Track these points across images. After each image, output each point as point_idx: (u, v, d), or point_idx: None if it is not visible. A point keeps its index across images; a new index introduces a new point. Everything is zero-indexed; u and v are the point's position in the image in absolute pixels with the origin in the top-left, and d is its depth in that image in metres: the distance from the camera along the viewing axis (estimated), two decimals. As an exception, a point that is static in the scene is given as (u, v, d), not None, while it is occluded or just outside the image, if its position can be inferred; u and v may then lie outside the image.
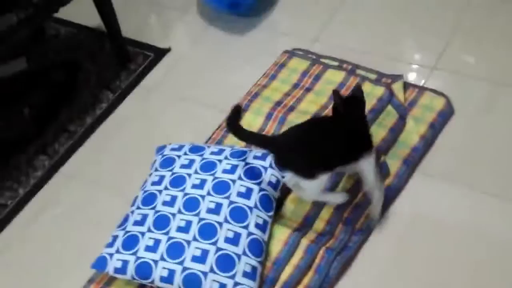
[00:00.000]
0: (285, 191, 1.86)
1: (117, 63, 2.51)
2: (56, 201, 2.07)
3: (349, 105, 1.71)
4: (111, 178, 2.11)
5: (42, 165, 2.18)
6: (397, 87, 2.12)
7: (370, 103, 2.06)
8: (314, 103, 2.14)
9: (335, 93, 1.70)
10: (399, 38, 2.41)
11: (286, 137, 1.74)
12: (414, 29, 2.43)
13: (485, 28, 2.34)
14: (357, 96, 1.74)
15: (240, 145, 1.99)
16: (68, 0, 2.09)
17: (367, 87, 2.10)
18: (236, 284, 1.61)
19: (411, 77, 2.20)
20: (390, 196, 1.82)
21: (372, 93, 2.10)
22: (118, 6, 2.44)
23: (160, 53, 2.54)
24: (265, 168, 1.80)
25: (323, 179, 1.68)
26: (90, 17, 2.49)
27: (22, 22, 1.90)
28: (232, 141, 2.05)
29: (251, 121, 2.12)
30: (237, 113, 1.98)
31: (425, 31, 2.39)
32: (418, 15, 2.44)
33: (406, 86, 2.13)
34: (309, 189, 1.72)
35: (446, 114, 2.03)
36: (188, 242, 1.67)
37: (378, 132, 1.98)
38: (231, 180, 1.77)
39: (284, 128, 2.04)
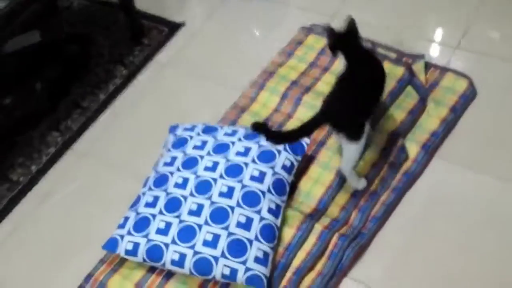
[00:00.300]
0: (299, 174, 1.82)
1: (130, 37, 2.45)
2: (68, 180, 2.05)
3: (344, 40, 1.72)
4: (123, 156, 2.08)
5: (55, 142, 2.15)
6: (418, 68, 2.04)
7: (389, 84, 1.99)
8: (331, 84, 2.07)
9: (329, 30, 1.73)
10: (421, 16, 2.32)
11: (333, 105, 1.66)
12: (437, 5, 2.34)
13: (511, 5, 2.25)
14: (352, 30, 1.73)
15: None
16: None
17: (386, 67, 2.03)
18: (248, 269, 1.59)
19: (433, 56, 2.12)
20: (407, 182, 1.78)
21: (392, 73, 2.03)
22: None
23: (174, 27, 2.47)
24: (279, 152, 1.76)
25: (363, 141, 1.68)
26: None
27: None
28: (246, 121, 2.01)
29: (266, 100, 2.07)
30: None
31: (448, 8, 2.30)
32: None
33: (428, 66, 2.07)
34: (355, 151, 1.68)
35: (468, 97, 1.95)
36: (200, 226, 1.65)
37: (397, 114, 1.92)
38: (244, 163, 1.73)
39: (300, 109, 2.00)
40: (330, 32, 1.74)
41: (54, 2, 2.58)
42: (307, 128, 1.62)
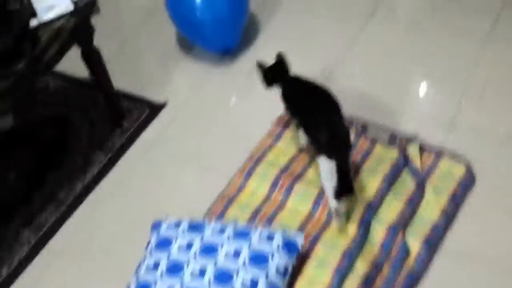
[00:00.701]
0: (293, 274, 1.69)
1: (110, 119, 2.35)
2: (42, 283, 1.90)
3: (275, 71, 1.89)
4: (103, 256, 1.93)
5: (28, 240, 2.01)
6: (412, 151, 1.95)
7: (383, 169, 1.90)
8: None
9: (258, 64, 1.89)
10: (412, 92, 2.27)
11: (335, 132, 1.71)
12: (428, 81, 2.29)
13: (504, 80, 2.20)
14: (281, 62, 1.90)
15: (244, 218, 1.83)
16: (56, 61, 1.93)
17: (378, 150, 1.96)
18: None
19: (427, 136, 2.04)
20: (412, 283, 1.66)
21: (385, 156, 1.93)
22: (109, 57, 2.29)
23: (156, 108, 2.37)
24: (272, 254, 1.63)
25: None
26: (81, 68, 2.30)
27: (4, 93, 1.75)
28: (234, 214, 1.89)
29: (255, 188, 1.96)
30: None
31: (440, 84, 2.25)
32: (432, 65, 2.30)
33: (422, 148, 1.97)
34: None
35: (467, 184, 1.86)
36: None
37: (394, 205, 1.81)
38: (234, 270, 1.59)
39: (292, 197, 1.89)
40: (260, 66, 1.90)
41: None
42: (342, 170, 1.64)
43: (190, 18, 2.39)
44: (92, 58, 2.13)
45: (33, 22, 1.90)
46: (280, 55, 1.91)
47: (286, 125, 2.13)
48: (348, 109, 1.79)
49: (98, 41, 2.14)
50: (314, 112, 1.76)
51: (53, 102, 2.48)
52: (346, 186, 1.64)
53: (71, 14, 1.93)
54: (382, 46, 2.42)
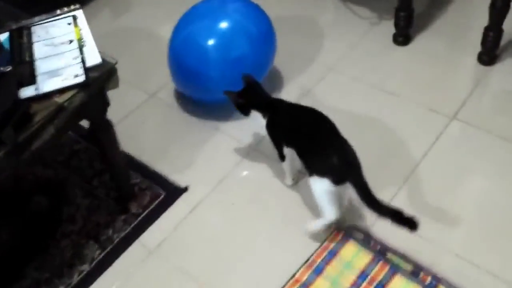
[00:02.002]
0: None
1: (115, 198, 1.89)
2: None
3: (247, 95, 1.77)
4: None
5: None
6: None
7: None
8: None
9: (228, 92, 1.77)
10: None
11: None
12: None
13: None
14: (250, 84, 1.78)
15: None
16: (50, 149, 1.47)
17: (397, 283, 1.51)
18: None
19: None
20: None
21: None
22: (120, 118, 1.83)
23: (174, 192, 1.90)
24: None
25: None
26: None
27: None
28: None
29: None
30: None
31: None
32: None
33: None
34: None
35: None
36: None
37: None
38: None
39: None
40: (230, 95, 1.77)
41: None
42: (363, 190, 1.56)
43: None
44: (101, 131, 1.66)
45: (27, 91, 1.44)
46: (247, 77, 1.79)
47: (331, 254, 1.66)
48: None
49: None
50: (314, 137, 1.64)
51: (54, 157, 2.04)
52: (377, 204, 1.55)
53: (81, 86, 1.46)
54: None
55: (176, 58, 2.04)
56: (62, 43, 1.56)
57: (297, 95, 2.14)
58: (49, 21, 1.64)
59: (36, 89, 1.44)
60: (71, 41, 1.57)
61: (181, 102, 2.21)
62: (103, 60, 1.51)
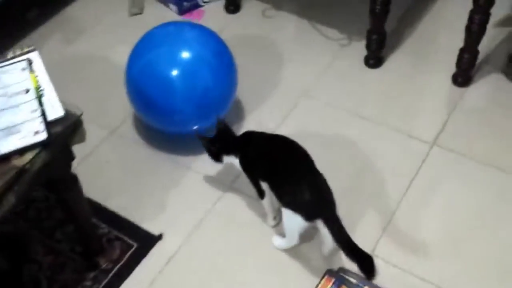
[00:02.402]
0: None
1: (81, 253, 1.71)
2: None
3: (220, 141, 1.72)
4: None
5: None
6: None
7: None
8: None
9: (200, 138, 1.73)
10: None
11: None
12: None
13: None
14: (221, 127, 1.73)
15: None
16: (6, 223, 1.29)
17: None
18: None
19: None
20: None
21: None
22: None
23: (146, 242, 1.74)
24: None
25: None
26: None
27: None
28: None
29: None
30: None
31: None
32: None
33: None
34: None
35: None
36: None
37: None
38: None
39: None
40: (203, 140, 1.73)
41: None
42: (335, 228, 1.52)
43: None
44: (65, 187, 1.48)
45: (-21, 154, 1.26)
46: (220, 122, 1.73)
47: None
48: None
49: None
50: (286, 169, 1.58)
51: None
52: (351, 246, 1.54)
53: (43, 145, 1.29)
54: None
55: (136, 88, 1.88)
56: (17, 93, 1.38)
57: (266, 127, 2.01)
58: (1, 66, 1.45)
59: (-10, 149, 1.27)
60: (27, 91, 1.39)
61: (146, 136, 2.04)
62: (66, 111, 1.35)
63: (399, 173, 1.89)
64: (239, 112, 2.10)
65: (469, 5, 1.96)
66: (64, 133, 1.31)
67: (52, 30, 2.47)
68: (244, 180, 1.80)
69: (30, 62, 1.46)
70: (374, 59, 2.21)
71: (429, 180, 1.87)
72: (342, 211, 1.58)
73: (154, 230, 1.77)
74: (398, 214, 1.77)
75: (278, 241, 1.72)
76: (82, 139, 1.35)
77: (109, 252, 1.71)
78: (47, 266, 1.69)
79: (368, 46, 2.18)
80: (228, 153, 1.71)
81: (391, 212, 1.78)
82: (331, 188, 1.56)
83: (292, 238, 1.65)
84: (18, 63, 1.45)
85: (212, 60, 1.86)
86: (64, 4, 2.56)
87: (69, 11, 2.55)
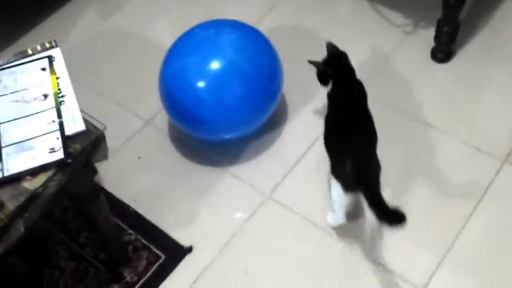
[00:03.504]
0: None
1: (105, 264, 1.58)
2: None
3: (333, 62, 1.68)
4: None
5: None
6: None
7: None
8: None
9: (312, 62, 1.69)
10: None
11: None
12: None
13: None
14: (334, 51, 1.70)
15: None
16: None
17: None
18: None
19: None
20: None
21: None
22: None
23: (176, 253, 1.59)
24: None
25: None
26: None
27: None
28: None
29: None
30: None
31: None
32: None
33: None
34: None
35: None
36: None
37: None
38: None
39: None
40: (315, 63, 1.69)
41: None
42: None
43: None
44: (87, 202, 1.33)
45: (-12, 175, 1.11)
46: (329, 44, 1.71)
47: None
48: None
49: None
50: (343, 134, 1.53)
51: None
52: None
53: (59, 165, 1.14)
54: None
55: (168, 92, 1.71)
56: (35, 99, 1.22)
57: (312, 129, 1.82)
58: (18, 64, 1.29)
59: (2, 169, 1.11)
60: (45, 96, 1.22)
61: (181, 131, 1.88)
62: (87, 125, 1.18)
63: (465, 192, 1.67)
64: (283, 111, 1.90)
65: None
66: (84, 152, 1.15)
67: (86, 2, 2.30)
68: (285, 190, 1.63)
69: (51, 60, 1.29)
70: (443, 53, 1.93)
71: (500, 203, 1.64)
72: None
73: (183, 241, 1.62)
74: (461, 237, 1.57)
75: (329, 216, 1.63)
76: (104, 157, 1.18)
77: (135, 263, 1.58)
78: (69, 273, 1.58)
79: (437, 38, 1.90)
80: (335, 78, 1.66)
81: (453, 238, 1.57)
82: (380, 166, 1.46)
83: (338, 212, 1.56)
84: (37, 62, 1.29)
85: (248, 69, 1.65)
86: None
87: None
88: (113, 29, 2.21)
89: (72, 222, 1.68)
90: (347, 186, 1.47)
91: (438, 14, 1.89)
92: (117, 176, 1.74)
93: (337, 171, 1.50)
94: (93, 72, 2.06)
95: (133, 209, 1.69)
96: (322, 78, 1.68)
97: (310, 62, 1.68)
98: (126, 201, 1.70)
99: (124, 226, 1.65)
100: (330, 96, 1.65)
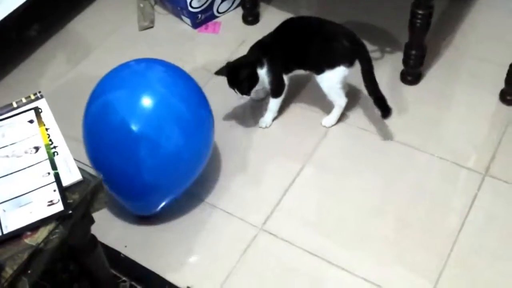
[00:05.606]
0: None
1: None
2: None
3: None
4: None
5: None
6: None
7: None
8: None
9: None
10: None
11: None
12: None
13: None
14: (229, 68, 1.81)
15: None
16: None
17: None
18: None
19: None
20: None
21: None
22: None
23: (172, 298, 1.58)
24: None
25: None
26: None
27: None
28: None
29: None
30: None
31: None
32: None
33: None
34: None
35: None
36: None
37: None
38: None
39: None
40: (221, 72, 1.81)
41: None
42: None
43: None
44: (84, 252, 1.30)
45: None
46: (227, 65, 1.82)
47: None
48: None
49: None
50: (313, 38, 1.78)
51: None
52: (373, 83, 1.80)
53: (60, 218, 1.10)
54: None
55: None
56: (26, 152, 1.20)
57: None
58: (4, 119, 1.26)
59: (-2, 228, 1.08)
60: (37, 149, 1.20)
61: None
62: (84, 174, 1.16)
63: (451, 207, 1.71)
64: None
65: (505, 14, 1.75)
66: (83, 202, 1.12)
67: (54, 50, 2.27)
68: (276, 221, 1.63)
69: (37, 111, 1.27)
70: (412, 75, 2.00)
71: (486, 215, 1.69)
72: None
73: (180, 282, 1.59)
74: (453, 255, 1.60)
75: (327, 120, 1.91)
76: (102, 205, 1.16)
77: (132, 312, 1.55)
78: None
79: (405, 61, 1.97)
80: (254, 68, 1.79)
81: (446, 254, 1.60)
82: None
83: (341, 97, 1.86)
84: (24, 114, 1.26)
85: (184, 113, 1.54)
86: (67, 18, 2.36)
87: (73, 26, 2.35)
88: (83, 76, 2.19)
89: (62, 273, 1.63)
90: (351, 59, 1.75)
91: (403, 39, 1.97)
92: (101, 220, 1.70)
93: (335, 58, 1.75)
94: (69, 121, 2.03)
95: (123, 255, 1.66)
96: (244, 88, 1.80)
97: (217, 73, 1.81)
98: (115, 246, 1.67)
99: (118, 274, 1.61)
100: (272, 63, 1.80)
